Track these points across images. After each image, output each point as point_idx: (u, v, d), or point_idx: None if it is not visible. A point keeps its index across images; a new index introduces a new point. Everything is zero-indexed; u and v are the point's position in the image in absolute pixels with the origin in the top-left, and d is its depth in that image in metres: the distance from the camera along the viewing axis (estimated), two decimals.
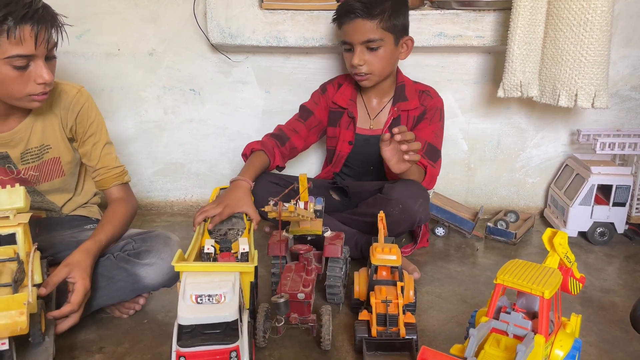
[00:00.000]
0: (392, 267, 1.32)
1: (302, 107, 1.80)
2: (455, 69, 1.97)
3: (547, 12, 1.68)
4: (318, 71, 1.98)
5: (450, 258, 1.75)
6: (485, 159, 2.07)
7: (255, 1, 1.81)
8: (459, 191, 2.11)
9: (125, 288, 1.29)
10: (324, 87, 1.81)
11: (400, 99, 1.72)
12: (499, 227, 1.88)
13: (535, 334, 1.02)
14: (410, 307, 1.32)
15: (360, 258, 1.61)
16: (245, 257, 1.21)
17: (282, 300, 1.09)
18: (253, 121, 2.05)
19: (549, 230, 1.21)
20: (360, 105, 1.77)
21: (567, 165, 1.98)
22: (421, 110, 1.72)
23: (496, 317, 1.08)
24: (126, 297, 1.31)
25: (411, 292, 1.32)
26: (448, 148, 2.05)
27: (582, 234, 1.87)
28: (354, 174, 1.81)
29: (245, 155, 1.64)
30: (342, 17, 1.62)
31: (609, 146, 1.76)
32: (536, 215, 2.08)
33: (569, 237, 1.83)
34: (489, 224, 1.90)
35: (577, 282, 1.27)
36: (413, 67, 1.94)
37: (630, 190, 1.78)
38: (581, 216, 1.82)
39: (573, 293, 1.26)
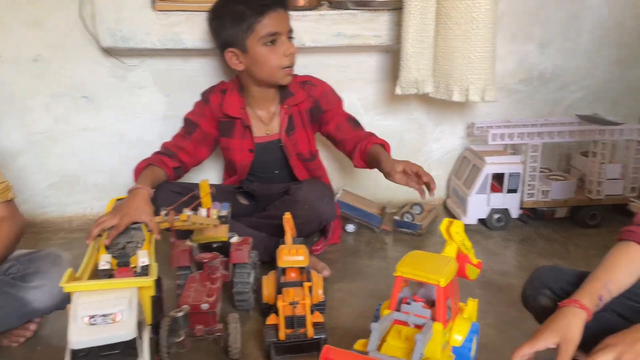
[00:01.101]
0: (300, 268, 1.31)
1: (186, 120, 1.71)
2: (356, 68, 2.01)
3: (437, 11, 1.75)
4: (218, 73, 1.94)
5: (360, 253, 1.78)
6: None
7: (147, 2, 1.73)
8: (367, 187, 2.15)
9: (12, 314, 1.18)
10: (205, 97, 1.73)
11: (287, 95, 1.70)
12: (405, 219, 1.94)
13: (434, 321, 1.06)
14: (320, 306, 1.33)
15: (271, 261, 1.59)
16: (145, 271, 1.15)
17: (180, 314, 1.05)
18: (153, 126, 1.97)
19: (445, 220, 1.25)
20: (251, 112, 1.72)
21: (465, 157, 2.09)
22: (311, 102, 1.71)
23: (399, 309, 1.12)
24: (14, 324, 1.21)
25: (320, 291, 1.33)
26: None
27: (481, 221, 1.97)
28: (260, 180, 1.79)
29: (137, 175, 1.56)
30: (265, 7, 1.55)
31: (500, 137, 1.87)
32: (440, 206, 2.17)
33: (470, 225, 1.95)
34: (395, 217, 1.95)
35: (475, 267, 1.33)
36: (316, 67, 1.95)
37: (521, 177, 1.90)
38: (479, 204, 1.92)
39: (471, 278, 1.32)
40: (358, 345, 1.03)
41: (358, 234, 1.94)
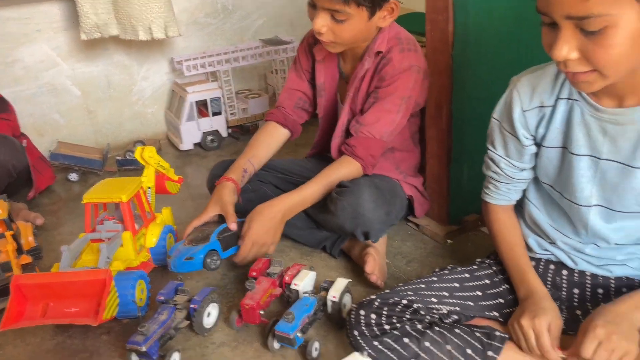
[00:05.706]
0: (2, 220, 1.37)
1: None
2: (41, 19, 1.98)
3: None
4: None
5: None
6: (101, 99, 2.20)
7: None
8: (87, 135, 2.21)
9: None
10: None
11: None
12: (127, 158, 2.07)
13: (124, 231, 1.26)
14: (33, 252, 1.42)
15: None
16: None
17: None
18: None
19: (138, 148, 1.43)
20: None
21: (173, 90, 2.27)
22: None
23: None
24: None
25: (30, 238, 1.42)
26: (61, 97, 2.10)
27: (197, 145, 2.21)
28: None
29: None
30: None
31: (193, 67, 2.09)
32: (163, 140, 2.34)
33: (189, 150, 2.18)
34: (117, 157, 2.07)
35: (175, 183, 1.56)
36: None
37: (222, 101, 2.17)
38: (191, 130, 2.15)
39: (173, 192, 1.55)
40: (54, 268, 1.18)
41: (83, 180, 2.02)
